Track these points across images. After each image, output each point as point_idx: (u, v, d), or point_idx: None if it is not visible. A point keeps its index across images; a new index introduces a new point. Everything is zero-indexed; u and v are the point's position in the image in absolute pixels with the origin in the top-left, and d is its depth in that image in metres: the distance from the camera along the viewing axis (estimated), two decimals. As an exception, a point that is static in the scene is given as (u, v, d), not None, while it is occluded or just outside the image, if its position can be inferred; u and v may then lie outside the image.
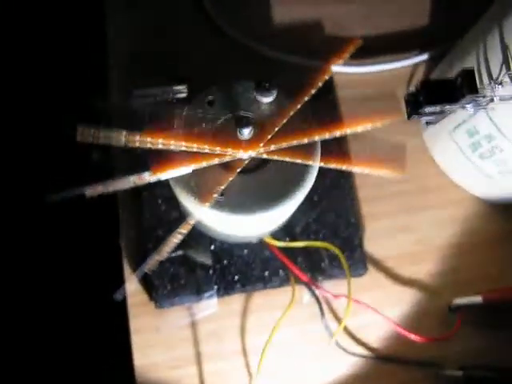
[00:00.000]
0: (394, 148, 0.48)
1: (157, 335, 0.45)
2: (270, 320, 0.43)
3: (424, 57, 0.53)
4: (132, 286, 0.45)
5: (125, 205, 0.46)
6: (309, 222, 0.46)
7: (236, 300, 0.46)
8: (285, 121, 0.34)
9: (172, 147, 0.33)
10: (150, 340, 0.44)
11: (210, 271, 0.44)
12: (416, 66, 0.53)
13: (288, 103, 0.36)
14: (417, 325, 0.46)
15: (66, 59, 0.92)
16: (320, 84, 0.34)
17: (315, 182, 0.37)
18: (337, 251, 0.44)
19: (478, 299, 0.44)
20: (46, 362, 0.84)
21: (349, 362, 0.45)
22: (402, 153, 0.45)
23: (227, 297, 0.45)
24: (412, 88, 0.35)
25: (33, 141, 0.90)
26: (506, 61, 0.36)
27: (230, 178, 0.34)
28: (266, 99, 0.36)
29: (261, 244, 0.44)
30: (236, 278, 0.45)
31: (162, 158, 0.33)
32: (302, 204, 0.38)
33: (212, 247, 0.45)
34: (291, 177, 0.36)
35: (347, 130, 0.35)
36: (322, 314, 0.45)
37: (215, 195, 0.34)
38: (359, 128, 0.35)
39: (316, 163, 0.37)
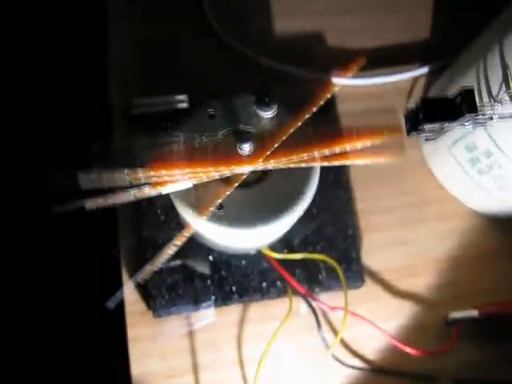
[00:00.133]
0: (385, 114, 0.48)
1: (154, 344, 0.45)
2: (266, 331, 0.43)
3: (424, 70, 0.53)
4: (130, 295, 0.45)
5: (124, 214, 0.47)
6: (307, 234, 0.46)
7: (233, 310, 0.46)
8: (285, 138, 0.34)
9: (177, 176, 0.33)
10: (147, 349, 0.45)
11: (208, 281, 0.44)
12: (416, 79, 0.53)
13: (288, 118, 0.36)
14: (413, 338, 0.46)
15: (65, 71, 0.92)
16: (322, 102, 0.34)
17: (314, 194, 0.37)
18: (334, 263, 0.44)
19: (474, 313, 0.44)
20: (43, 370, 0.84)
21: (345, 374, 0.45)
22: (400, 137, 0.45)
23: (225, 307, 0.45)
24: (411, 104, 0.35)
25: (35, 152, 0.90)
26: (505, 79, 0.37)
27: (228, 192, 0.34)
28: (267, 114, 0.37)
29: (259, 255, 0.45)
30: (234, 288, 0.45)
31: (162, 172, 0.33)
32: (301, 216, 0.38)
33: (210, 258, 0.45)
34: (291, 191, 0.36)
35: (347, 147, 0.35)
36: (319, 325, 0.45)
37: (213, 209, 0.34)
38: (359, 144, 0.35)
39: (315, 178, 0.37)
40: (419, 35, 0.55)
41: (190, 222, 0.36)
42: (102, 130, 0.49)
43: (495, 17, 0.43)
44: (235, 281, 0.45)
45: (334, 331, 0.46)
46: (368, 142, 0.35)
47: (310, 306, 0.45)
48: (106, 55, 0.51)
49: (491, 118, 0.35)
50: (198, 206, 0.34)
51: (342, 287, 0.44)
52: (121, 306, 0.45)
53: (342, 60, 0.52)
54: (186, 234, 0.34)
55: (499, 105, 0.35)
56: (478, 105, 0.33)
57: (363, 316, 0.45)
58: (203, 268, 0.45)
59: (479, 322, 0.44)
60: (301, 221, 0.39)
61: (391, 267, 0.48)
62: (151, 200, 0.45)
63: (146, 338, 0.45)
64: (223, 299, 0.44)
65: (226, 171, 0.34)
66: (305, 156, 0.35)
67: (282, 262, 0.44)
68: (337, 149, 0.35)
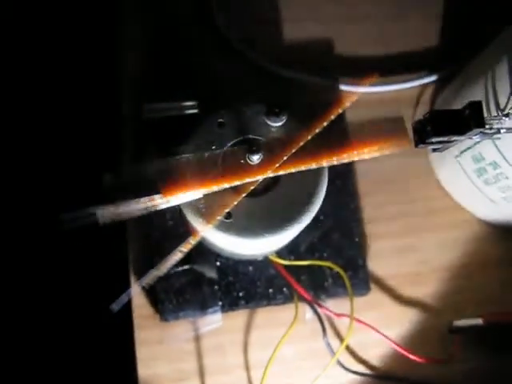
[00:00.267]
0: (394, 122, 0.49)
1: (161, 348, 0.45)
2: (272, 336, 0.44)
3: (432, 78, 0.53)
4: (138, 298, 0.46)
5: (133, 219, 0.47)
6: (314, 241, 0.46)
7: (240, 316, 0.46)
8: (294, 150, 0.34)
9: (191, 196, 0.33)
10: (154, 352, 0.45)
11: (215, 287, 0.45)
12: (424, 87, 0.53)
13: (298, 126, 0.36)
14: (417, 345, 0.46)
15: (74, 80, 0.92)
16: (339, 112, 0.34)
17: (321, 202, 0.38)
18: (340, 271, 0.45)
19: (478, 321, 0.44)
20: (51, 372, 0.85)
21: (350, 380, 0.46)
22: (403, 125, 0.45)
23: (231, 312, 0.45)
24: (419, 116, 0.36)
25: (45, 162, 0.90)
26: (513, 93, 0.37)
27: (235, 202, 0.34)
28: (276, 124, 0.37)
29: (266, 262, 0.45)
30: (240, 294, 0.45)
31: (173, 182, 0.34)
32: (308, 223, 0.38)
33: (218, 263, 0.45)
34: (299, 200, 0.36)
35: (355, 156, 0.36)
36: (324, 332, 0.46)
37: (222, 217, 0.35)
38: (366, 155, 0.36)
39: (323, 186, 0.37)
40: (427, 43, 0.55)
41: (199, 229, 0.36)
42: (112, 153, 0.49)
43: (504, 27, 0.43)
44: (242, 286, 0.45)
45: (340, 338, 0.46)
46: (376, 153, 0.35)
47: (316, 312, 0.46)
48: (115, 62, 0.51)
49: (499, 131, 0.35)
50: (206, 214, 0.35)
51: (348, 294, 0.45)
52: (129, 309, 0.45)
53: (351, 68, 0.53)
54: (192, 241, 0.35)
55: (507, 119, 0.35)
56: (485, 117, 0.33)
57: (368, 323, 0.45)
58: (211, 273, 0.45)
59: (483, 331, 0.45)
60: (308, 228, 0.39)
61: (397, 275, 0.48)
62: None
63: (153, 342, 0.45)
64: (230, 304, 0.45)
65: (235, 181, 0.34)
66: (313, 164, 0.35)
67: (288, 268, 0.45)
68: (345, 157, 0.36)
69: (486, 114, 0.34)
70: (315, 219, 0.38)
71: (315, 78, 0.52)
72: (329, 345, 0.45)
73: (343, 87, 0.51)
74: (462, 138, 0.34)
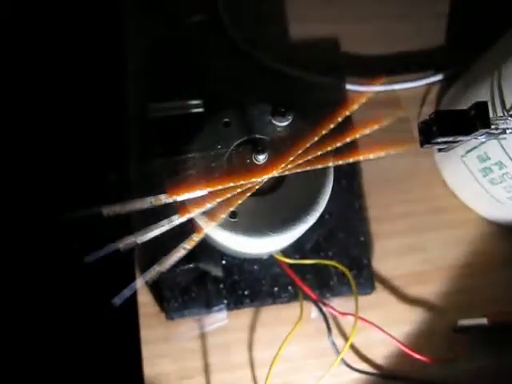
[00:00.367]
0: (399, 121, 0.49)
1: (166, 346, 0.45)
2: (277, 334, 0.44)
3: (438, 77, 0.53)
4: (143, 297, 0.46)
5: (138, 216, 0.47)
6: (319, 240, 0.46)
7: (245, 314, 0.46)
8: (300, 151, 0.34)
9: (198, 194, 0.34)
10: (159, 350, 0.45)
11: (221, 285, 0.45)
12: (430, 86, 0.53)
13: (303, 125, 0.36)
14: (422, 344, 0.46)
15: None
16: (340, 118, 0.34)
17: (327, 201, 0.38)
18: (345, 270, 0.45)
19: (483, 321, 0.44)
20: (57, 371, 0.85)
21: (354, 379, 0.46)
22: (408, 125, 0.45)
23: (236, 311, 0.45)
24: (424, 114, 0.36)
25: (51, 162, 0.91)
26: (519, 92, 0.37)
27: (240, 201, 0.34)
28: (282, 123, 0.37)
29: (271, 260, 0.45)
30: (246, 292, 0.45)
31: (178, 181, 0.34)
32: (313, 223, 0.38)
33: (223, 262, 0.45)
34: (304, 199, 0.37)
35: (361, 157, 0.36)
36: (329, 330, 0.46)
37: (227, 216, 0.35)
38: (372, 156, 0.36)
39: (329, 186, 0.37)
40: (433, 42, 0.55)
41: (204, 228, 0.36)
42: (118, 151, 0.49)
43: (510, 27, 0.43)
44: (247, 285, 0.45)
45: (344, 336, 0.46)
46: (381, 153, 0.36)
47: (321, 311, 0.46)
48: (121, 61, 0.51)
49: (504, 131, 0.35)
50: (211, 212, 0.35)
51: (353, 293, 0.45)
52: (134, 307, 0.46)
53: (357, 67, 0.53)
54: (196, 238, 0.35)
55: (512, 118, 0.35)
56: (491, 118, 0.33)
57: (373, 322, 0.45)
58: (216, 271, 0.45)
59: (488, 330, 0.45)
60: (313, 227, 0.39)
61: (401, 274, 0.48)
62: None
63: (159, 340, 0.45)
64: (235, 303, 0.45)
65: (241, 181, 0.34)
66: (319, 164, 0.35)
67: (293, 267, 0.45)
68: (350, 157, 0.36)
69: (491, 114, 0.33)
70: (320, 218, 0.38)
71: (321, 78, 0.52)
72: (333, 343, 0.45)
73: (349, 87, 0.52)
74: (467, 138, 0.34)
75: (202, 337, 0.46)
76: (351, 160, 0.36)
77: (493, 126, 0.34)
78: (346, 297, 0.46)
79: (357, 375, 0.46)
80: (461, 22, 0.55)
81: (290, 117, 0.37)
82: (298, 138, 0.35)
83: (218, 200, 0.34)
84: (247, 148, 0.37)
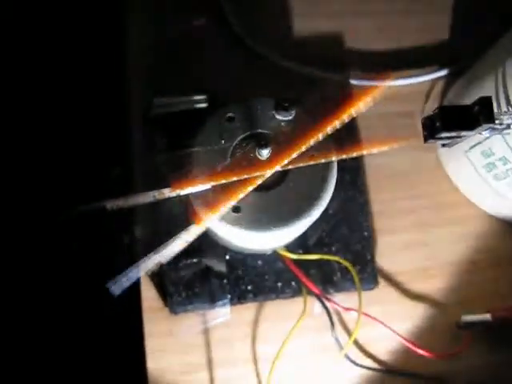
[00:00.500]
0: (403, 116, 0.49)
1: (170, 340, 0.45)
2: (280, 330, 0.44)
3: (443, 73, 0.53)
4: (147, 291, 0.46)
5: (141, 210, 0.47)
6: (322, 235, 0.46)
7: (248, 309, 0.46)
8: (304, 147, 0.34)
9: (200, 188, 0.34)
10: (163, 344, 0.45)
11: (224, 280, 0.45)
12: (434, 81, 0.53)
13: (308, 122, 0.36)
14: (426, 340, 0.46)
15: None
16: (346, 113, 0.34)
17: (330, 196, 0.38)
18: (348, 265, 0.45)
19: (487, 317, 0.44)
20: (60, 365, 0.85)
21: (357, 374, 0.46)
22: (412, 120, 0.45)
23: (240, 305, 0.45)
24: (428, 110, 0.35)
25: (55, 157, 0.91)
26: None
27: (242, 195, 0.34)
28: (286, 118, 0.37)
29: (275, 255, 0.45)
30: (249, 287, 0.45)
31: (182, 175, 0.34)
32: (317, 218, 0.38)
33: (227, 257, 0.45)
34: (308, 194, 0.37)
35: (364, 152, 0.36)
36: (333, 326, 0.46)
37: (231, 211, 0.35)
38: (375, 150, 0.36)
39: (332, 181, 0.37)
40: (438, 38, 0.55)
41: (204, 219, 0.36)
42: (121, 146, 0.49)
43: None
44: (251, 280, 0.45)
45: (348, 332, 0.46)
46: (385, 148, 0.36)
47: (324, 306, 0.46)
48: (124, 57, 0.51)
49: (508, 127, 0.35)
50: (213, 205, 0.35)
51: (356, 288, 0.45)
52: (138, 302, 0.46)
53: (362, 62, 0.53)
54: (195, 229, 0.35)
55: (517, 113, 0.35)
56: (495, 113, 0.33)
57: (376, 317, 0.45)
58: (220, 267, 0.45)
59: (492, 326, 0.45)
60: (317, 222, 0.39)
61: (405, 269, 0.48)
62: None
63: (162, 334, 0.45)
64: (239, 298, 0.45)
65: (244, 175, 0.34)
66: (322, 159, 0.35)
67: (297, 262, 0.45)
68: (354, 151, 0.36)
69: (495, 110, 0.33)
70: (324, 213, 0.38)
71: (326, 73, 0.52)
72: (337, 339, 0.45)
73: (353, 82, 0.51)
74: (471, 133, 0.34)
75: (206, 331, 0.46)
76: (354, 154, 0.36)
77: (497, 122, 0.34)
78: (350, 292, 0.46)
79: (360, 370, 0.46)
80: (465, 18, 0.55)
81: (293, 111, 0.37)
82: (302, 132, 0.35)
83: (221, 194, 0.34)
84: (251, 143, 0.37)
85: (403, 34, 0.54)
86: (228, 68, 0.52)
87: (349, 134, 0.48)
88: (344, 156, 0.36)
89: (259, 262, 0.46)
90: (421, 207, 0.50)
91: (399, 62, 0.53)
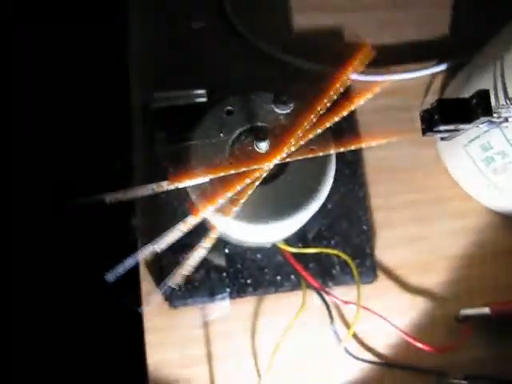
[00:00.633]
0: (402, 110, 0.49)
1: (169, 334, 0.46)
2: (280, 323, 0.44)
3: (442, 67, 0.53)
4: (147, 286, 0.46)
5: (142, 207, 0.47)
6: (321, 229, 0.46)
7: (248, 302, 0.47)
8: (300, 134, 0.34)
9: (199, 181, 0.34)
10: (162, 338, 0.46)
11: (224, 274, 0.45)
12: (434, 76, 0.53)
13: (306, 115, 0.37)
14: (424, 333, 0.46)
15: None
16: (333, 94, 0.34)
17: (329, 190, 0.38)
18: (348, 259, 0.45)
19: (485, 311, 0.45)
20: (59, 358, 0.86)
21: (356, 368, 0.46)
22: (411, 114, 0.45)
23: (239, 299, 0.46)
24: (427, 104, 0.36)
25: (57, 151, 0.92)
26: (522, 81, 0.37)
27: (238, 187, 0.35)
28: (284, 111, 0.37)
29: (274, 249, 0.45)
30: (248, 281, 0.45)
31: (181, 168, 0.34)
32: (316, 211, 0.39)
33: (226, 250, 0.46)
34: (306, 187, 0.37)
35: (363, 145, 0.36)
36: (332, 319, 0.46)
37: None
38: (374, 143, 0.36)
39: (331, 174, 0.37)
40: (437, 32, 0.55)
41: (201, 210, 0.36)
42: (122, 139, 0.49)
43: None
44: (250, 274, 0.46)
45: (347, 325, 0.47)
46: (384, 141, 0.36)
47: (323, 299, 0.46)
48: (125, 51, 0.51)
49: (506, 120, 0.35)
50: (211, 197, 0.35)
51: (355, 282, 0.45)
52: (138, 296, 0.46)
53: (352, 55, 0.53)
54: (192, 221, 0.35)
55: (515, 107, 0.35)
56: (493, 106, 0.33)
57: (375, 311, 0.45)
58: (219, 260, 0.45)
59: (490, 320, 0.45)
60: (316, 216, 0.40)
61: (404, 263, 0.48)
62: (169, 193, 0.46)
63: (162, 328, 0.46)
64: (238, 292, 0.45)
65: (243, 168, 0.34)
66: (321, 152, 0.36)
67: (296, 255, 0.45)
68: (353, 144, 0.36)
69: (494, 103, 0.34)
70: (323, 207, 0.38)
71: (324, 67, 0.52)
72: (336, 332, 0.46)
73: (353, 76, 0.51)
74: (469, 126, 0.34)
75: (205, 325, 0.46)
76: (353, 148, 0.36)
77: (495, 115, 0.34)
78: (349, 286, 0.46)
79: (359, 364, 0.46)
80: (464, 12, 0.55)
81: (291, 105, 0.37)
82: (300, 126, 0.35)
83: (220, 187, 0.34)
84: (249, 136, 0.37)
85: (402, 29, 0.54)
86: (227, 62, 0.52)
87: (348, 128, 0.48)
88: (343, 149, 0.37)
89: (258, 256, 0.46)
90: (420, 201, 0.50)
91: (399, 57, 0.53)
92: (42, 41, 0.95)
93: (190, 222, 0.35)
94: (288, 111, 0.37)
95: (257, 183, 0.35)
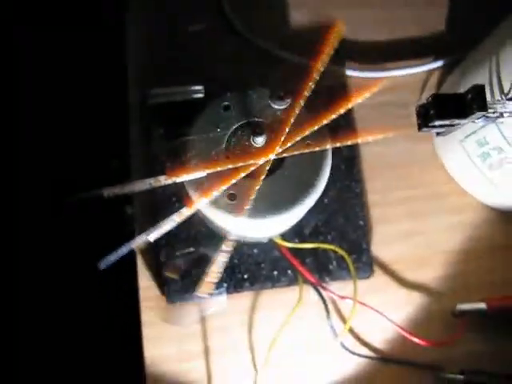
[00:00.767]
0: (399, 107, 0.49)
1: (167, 329, 0.46)
2: (276, 318, 0.45)
3: (438, 64, 0.53)
4: (145, 281, 0.46)
5: (140, 201, 0.48)
6: (318, 225, 0.47)
7: (245, 298, 0.47)
8: (296, 129, 0.34)
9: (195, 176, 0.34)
10: (160, 333, 0.46)
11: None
12: (430, 72, 0.53)
13: (303, 111, 0.37)
14: (421, 328, 0.47)
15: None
16: (312, 83, 0.34)
17: (326, 185, 0.38)
18: (344, 254, 0.45)
19: (481, 305, 0.45)
20: (56, 352, 0.86)
21: (352, 362, 0.46)
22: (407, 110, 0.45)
23: (236, 294, 0.46)
24: (423, 100, 0.36)
25: (54, 149, 0.92)
26: (517, 76, 0.37)
27: (234, 181, 0.35)
28: (281, 107, 0.37)
29: (271, 244, 0.45)
30: (245, 276, 0.46)
31: (178, 162, 0.34)
32: (313, 207, 0.39)
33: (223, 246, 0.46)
34: (302, 182, 0.37)
35: (359, 140, 0.36)
36: (328, 314, 0.46)
37: (226, 198, 0.35)
38: (371, 138, 0.36)
39: (327, 169, 0.38)
40: (434, 29, 0.55)
41: (204, 210, 0.37)
42: (119, 136, 0.50)
43: (508, 13, 0.43)
44: (247, 269, 0.46)
45: (343, 320, 0.47)
46: (380, 136, 0.36)
47: (320, 294, 0.46)
48: (122, 47, 0.51)
49: (502, 115, 0.35)
50: (206, 189, 0.35)
51: (352, 277, 0.45)
52: (135, 291, 0.46)
53: (357, 53, 0.53)
54: (186, 212, 0.35)
55: (510, 102, 0.35)
56: (488, 101, 0.33)
57: (372, 306, 0.45)
58: (216, 255, 0.45)
59: (486, 315, 0.45)
60: (312, 211, 0.40)
61: (400, 258, 0.49)
62: (166, 188, 0.46)
63: (160, 323, 0.46)
64: (235, 287, 0.46)
65: (239, 163, 0.35)
66: (317, 147, 0.36)
67: (293, 251, 0.45)
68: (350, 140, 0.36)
69: (489, 98, 0.34)
70: (320, 203, 0.38)
71: (322, 64, 0.52)
72: (332, 327, 0.46)
73: (349, 72, 0.52)
74: (464, 121, 0.34)
75: (203, 320, 0.46)
76: (349, 143, 0.36)
77: (490, 110, 0.34)
78: (345, 281, 0.46)
79: (355, 358, 0.46)
80: (461, 9, 0.55)
81: (288, 101, 0.37)
82: (297, 121, 0.35)
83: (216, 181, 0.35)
84: (246, 131, 0.37)
85: (399, 25, 0.54)
86: (225, 59, 0.52)
87: (344, 123, 0.48)
88: (339, 144, 0.37)
89: (255, 251, 0.46)
90: (416, 196, 0.50)
91: (396, 53, 0.54)
92: (42, 40, 0.95)
93: (185, 214, 0.35)
94: (285, 107, 0.37)
95: (253, 178, 0.35)
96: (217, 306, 0.46)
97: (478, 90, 0.33)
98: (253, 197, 0.36)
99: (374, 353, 0.47)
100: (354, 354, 0.46)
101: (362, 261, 0.47)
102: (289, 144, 0.36)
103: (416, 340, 0.45)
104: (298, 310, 0.45)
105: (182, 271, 0.45)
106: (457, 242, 0.49)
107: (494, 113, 0.34)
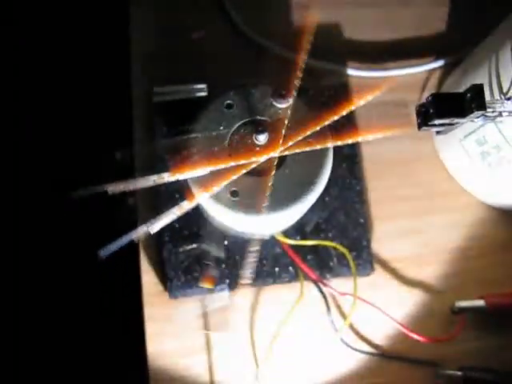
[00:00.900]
0: (399, 106, 0.50)
1: (169, 324, 0.46)
2: (277, 314, 0.45)
3: (439, 63, 0.53)
4: (147, 276, 0.47)
5: (143, 199, 0.48)
6: (319, 222, 0.47)
7: (246, 294, 0.47)
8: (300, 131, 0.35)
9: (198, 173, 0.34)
10: (162, 328, 0.46)
11: (223, 265, 0.46)
12: (431, 72, 0.54)
13: (305, 109, 0.37)
14: (420, 325, 0.47)
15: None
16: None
17: (327, 183, 0.39)
18: (345, 251, 0.46)
19: (480, 303, 0.45)
20: (61, 346, 0.86)
21: (352, 358, 0.47)
22: (407, 109, 0.45)
23: (238, 290, 0.46)
24: (423, 99, 0.36)
25: (58, 144, 0.92)
26: (516, 77, 0.37)
27: (235, 177, 0.35)
28: (283, 105, 0.38)
29: (272, 241, 0.46)
30: (247, 272, 0.46)
31: (181, 159, 0.35)
32: (314, 204, 0.39)
33: (225, 242, 0.46)
34: (304, 179, 0.37)
35: (360, 139, 0.37)
36: (329, 310, 0.47)
37: (229, 195, 0.36)
38: (371, 137, 0.36)
39: (328, 167, 0.38)
40: (434, 29, 0.55)
41: (206, 207, 0.37)
42: (123, 130, 0.50)
43: (509, 14, 0.43)
44: (249, 265, 0.46)
45: (343, 316, 0.47)
46: (380, 135, 0.36)
47: (321, 291, 0.47)
48: (126, 45, 0.52)
49: (501, 114, 0.35)
50: (207, 185, 0.36)
51: (352, 274, 0.45)
52: (138, 286, 0.47)
53: (359, 53, 0.54)
54: (187, 205, 0.36)
55: (509, 102, 0.35)
56: (487, 101, 0.34)
57: (372, 302, 0.46)
58: (218, 252, 0.46)
59: (485, 312, 0.45)
60: (314, 208, 0.40)
61: (400, 256, 0.49)
62: (169, 185, 0.47)
63: (162, 318, 0.46)
64: (237, 283, 0.46)
65: (242, 160, 0.35)
66: (318, 145, 0.36)
67: (294, 247, 0.46)
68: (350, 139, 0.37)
69: (489, 98, 0.34)
70: (321, 200, 0.39)
71: (323, 63, 0.52)
72: (332, 322, 0.46)
73: (350, 72, 0.52)
74: (463, 120, 0.35)
75: (205, 316, 0.47)
76: (350, 141, 0.37)
77: (490, 109, 0.34)
78: (346, 277, 0.46)
79: (355, 354, 0.47)
80: (461, 9, 0.56)
81: (290, 99, 0.38)
82: (298, 119, 0.36)
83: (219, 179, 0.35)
84: (248, 129, 0.37)
85: (400, 25, 0.55)
86: (228, 57, 0.52)
87: (345, 122, 0.49)
88: (340, 143, 0.37)
89: (257, 248, 0.46)
90: (416, 195, 0.51)
91: (397, 53, 0.54)
92: (44, 37, 0.95)
93: (185, 206, 0.35)
94: (287, 105, 0.38)
95: (255, 175, 0.36)
96: (219, 302, 0.46)
97: (477, 90, 0.33)
98: (255, 194, 0.36)
99: (374, 349, 0.47)
100: (353, 349, 0.46)
101: (363, 258, 0.47)
102: (290, 142, 0.36)
103: (415, 336, 0.45)
104: (298, 306, 0.45)
105: (184, 267, 0.45)
106: (457, 240, 0.50)
107: (493, 112, 0.35)
